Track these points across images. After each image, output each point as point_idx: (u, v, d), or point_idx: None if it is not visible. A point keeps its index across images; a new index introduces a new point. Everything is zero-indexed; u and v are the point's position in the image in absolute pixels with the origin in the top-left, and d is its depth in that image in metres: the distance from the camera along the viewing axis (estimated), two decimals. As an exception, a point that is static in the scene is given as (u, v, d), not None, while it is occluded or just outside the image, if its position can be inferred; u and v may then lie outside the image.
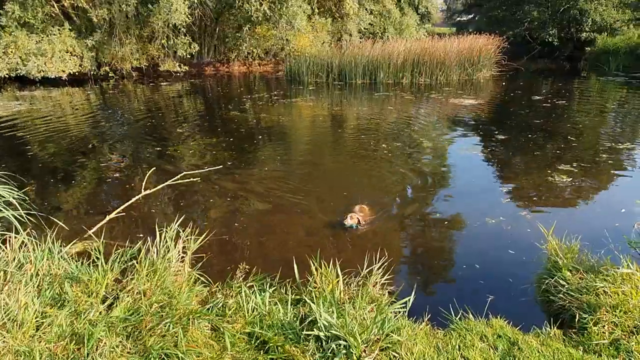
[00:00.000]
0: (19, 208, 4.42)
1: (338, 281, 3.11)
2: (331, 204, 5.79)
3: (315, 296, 2.98)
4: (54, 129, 10.16)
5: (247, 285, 3.18)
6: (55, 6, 16.19)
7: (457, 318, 3.10)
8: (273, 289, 3.21)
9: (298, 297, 3.18)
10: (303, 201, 5.87)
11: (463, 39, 18.12)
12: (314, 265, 3.31)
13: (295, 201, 5.88)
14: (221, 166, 7.05)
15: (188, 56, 18.81)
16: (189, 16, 16.82)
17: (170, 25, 16.99)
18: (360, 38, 21.59)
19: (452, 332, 2.92)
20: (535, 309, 3.46)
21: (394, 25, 24.20)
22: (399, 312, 3.00)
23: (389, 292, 3.26)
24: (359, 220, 4.98)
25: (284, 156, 8.15)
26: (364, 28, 22.88)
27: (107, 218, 5.16)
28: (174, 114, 12.26)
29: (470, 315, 3.13)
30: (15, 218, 4.17)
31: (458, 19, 40.00)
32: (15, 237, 3.42)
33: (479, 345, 2.74)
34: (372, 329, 2.64)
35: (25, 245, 3.37)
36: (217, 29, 20.27)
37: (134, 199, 5.60)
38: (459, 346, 2.73)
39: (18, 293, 2.85)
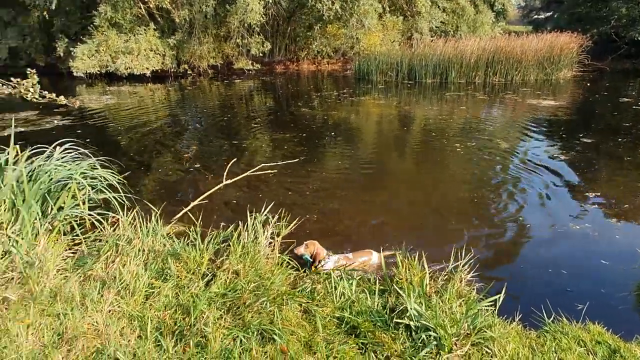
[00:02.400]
0: (120, 191, 4.87)
1: (424, 274, 3.12)
2: (406, 202, 5.78)
3: (402, 287, 3.01)
4: (137, 121, 10.93)
5: (334, 272, 3.27)
6: (142, 7, 17.33)
7: (549, 320, 2.99)
8: (359, 277, 3.27)
9: (382, 287, 3.22)
10: (378, 197, 5.91)
11: (542, 37, 17.24)
12: (399, 257, 3.33)
13: (369, 198, 5.94)
14: (297, 160, 7.23)
15: (260, 55, 19.38)
16: (263, 16, 17.34)
17: (245, 24, 17.60)
18: (432, 36, 21.14)
19: (545, 334, 2.83)
20: (636, 317, 3.25)
21: (467, 23, 23.45)
22: (488, 309, 2.95)
23: (476, 289, 3.21)
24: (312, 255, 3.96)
25: (351, 153, 8.21)
26: (436, 26, 22.38)
27: (192, 204, 5.47)
28: (246, 110, 12.73)
29: (564, 319, 3.01)
30: (116, 200, 4.63)
31: (535, 16, 38.00)
32: (123, 217, 3.74)
33: (577, 349, 2.63)
34: (463, 323, 2.63)
35: (132, 223, 3.69)
36: (289, 28, 20.73)
37: (215, 188, 5.88)
38: (555, 348, 2.64)
39: (130, 264, 3.13)
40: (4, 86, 5.25)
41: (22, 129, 9.83)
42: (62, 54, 17.41)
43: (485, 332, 2.60)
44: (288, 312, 2.80)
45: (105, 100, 13.89)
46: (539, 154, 7.88)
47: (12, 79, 5.17)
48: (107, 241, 3.51)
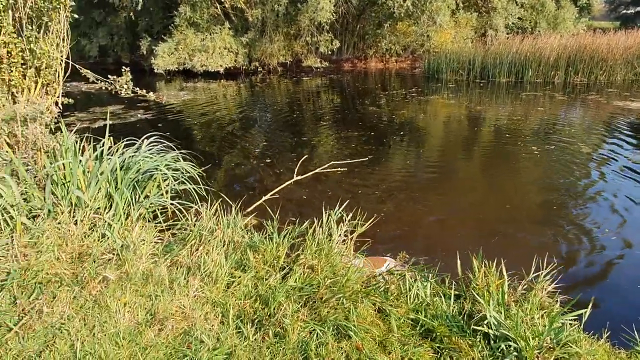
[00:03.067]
0: (199, 183, 5.17)
1: (503, 282, 3.03)
2: (478, 206, 5.61)
3: (479, 294, 2.94)
4: (210, 116, 11.46)
5: (408, 273, 3.26)
6: (218, 7, 18.09)
7: (642, 341, 2.80)
8: (433, 280, 3.24)
9: (457, 292, 3.16)
10: (448, 199, 5.79)
11: (632, 33, 15.92)
12: (476, 262, 3.26)
13: (438, 200, 5.83)
14: (367, 158, 7.25)
15: (329, 52, 19.55)
16: (333, 14, 17.47)
17: (315, 23, 17.82)
18: (507, 33, 20.22)
19: (637, 354, 2.65)
20: None
21: (547, 19, 22.15)
22: (572, 324, 2.81)
23: (559, 301, 3.07)
24: None
25: (419, 153, 8.08)
26: (512, 23, 21.35)
27: (263, 198, 5.66)
28: (313, 107, 12.91)
29: (659, 341, 2.80)
30: (195, 191, 4.93)
31: (624, 11, 35.14)
32: (207, 209, 3.97)
33: (674, 373, 2.45)
34: (546, 336, 2.53)
35: (215, 215, 3.91)
36: (358, 26, 20.72)
37: (286, 183, 6.03)
38: (648, 370, 2.47)
39: (212, 254, 3.32)
40: (102, 82, 5.74)
41: (110, 122, 10.62)
42: (145, 52, 18.63)
43: (571, 347, 2.48)
44: (363, 310, 2.83)
45: (182, 95, 14.67)
46: (626, 160, 7.31)
47: (109, 76, 5.65)
48: (191, 230, 3.73)
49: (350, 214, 3.97)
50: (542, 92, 13.94)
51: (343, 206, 4.00)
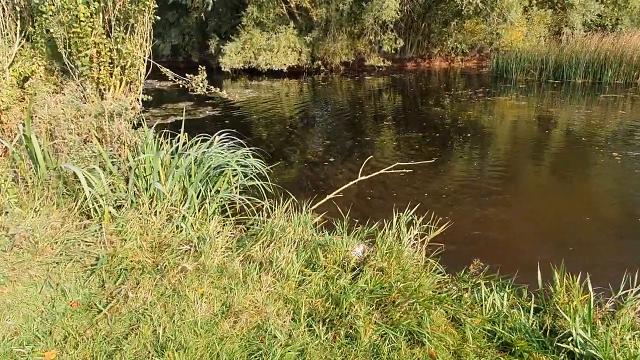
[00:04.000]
0: (267, 179, 5.29)
1: (589, 298, 2.84)
2: (551, 214, 5.31)
3: (563, 309, 2.78)
4: (274, 114, 11.70)
5: (483, 282, 3.15)
6: (284, 7, 18.41)
7: None
8: (510, 290, 3.11)
9: (536, 305, 3.01)
10: (518, 205, 5.53)
11: None
12: (557, 275, 3.08)
13: (508, 205, 5.58)
14: (432, 160, 7.09)
15: (392, 52, 19.32)
16: (398, 12, 17.23)
17: (379, 21, 17.66)
18: (585, 31, 18.96)
19: None
20: None
21: (630, 15, 20.53)
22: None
23: (652, 322, 2.84)
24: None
25: (485, 156, 7.77)
26: (590, 20, 19.98)
27: (327, 197, 5.68)
28: (375, 107, 12.81)
29: None
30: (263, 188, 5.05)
31: None
32: (273, 205, 4.06)
33: None
34: (639, 360, 2.34)
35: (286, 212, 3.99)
36: (423, 24, 20.30)
37: (350, 183, 6.02)
38: None
39: (283, 251, 3.38)
40: (179, 80, 6.02)
41: (181, 118, 11.14)
42: (213, 51, 19.37)
43: (668, 374, 2.29)
44: (436, 317, 2.77)
45: (247, 93, 15.08)
46: None
47: (186, 74, 5.92)
48: (263, 227, 3.83)
49: (421, 218, 3.88)
50: (622, 94, 12.95)
51: (413, 209, 3.92)
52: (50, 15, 5.31)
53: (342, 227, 3.77)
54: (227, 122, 10.57)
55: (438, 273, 3.34)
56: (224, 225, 4.05)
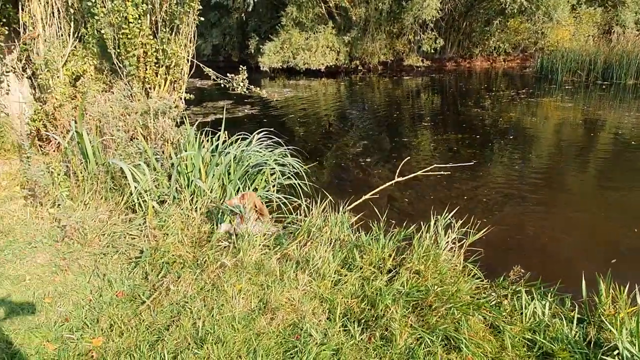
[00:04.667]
0: (304, 179, 5.34)
1: (637, 311, 2.72)
2: (598, 221, 5.10)
3: (609, 321, 2.68)
4: (311, 114, 11.78)
5: (524, 290, 3.07)
6: (323, 7, 18.47)
7: None
8: (552, 299, 3.02)
9: (579, 315, 2.91)
10: (562, 211, 5.34)
11: None
12: (603, 285, 2.97)
13: (551, 211, 5.40)
14: (471, 163, 6.94)
15: (431, 51, 19.03)
16: (439, 11, 16.96)
17: (419, 21, 17.44)
18: (638, 30, 18.04)
19: None
20: None
21: (688, 13, 19.41)
22: None
23: None
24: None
25: (527, 159, 7.53)
26: (644, 18, 19.03)
27: (363, 197, 5.67)
28: (413, 108, 12.66)
29: None
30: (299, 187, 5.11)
31: None
32: (310, 204, 4.10)
33: None
34: (691, 378, 2.23)
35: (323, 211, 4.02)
36: (465, 23, 19.88)
37: (387, 184, 5.98)
38: None
39: (320, 250, 3.41)
40: (221, 79, 6.17)
41: (221, 116, 11.39)
42: (252, 51, 19.69)
43: None
44: (474, 323, 2.73)
45: (285, 92, 15.24)
46: None
47: (228, 74, 6.06)
48: (301, 226, 3.87)
49: (460, 222, 3.81)
50: (679, 96, 12.27)
51: (451, 213, 3.86)
52: (102, 17, 5.55)
53: (379, 229, 3.75)
54: (265, 120, 10.72)
55: (476, 278, 3.28)
56: (267, 223, 4.11)
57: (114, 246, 3.80)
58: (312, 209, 4.20)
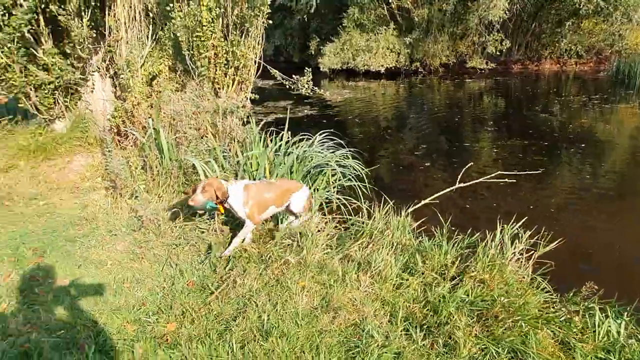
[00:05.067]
0: (365, 181, 5.36)
1: None
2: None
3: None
4: (370, 115, 11.77)
5: (597, 306, 2.93)
6: (385, 8, 18.36)
7: None
8: (629, 319, 2.86)
9: (659, 338, 2.74)
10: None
11: None
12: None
13: (626, 226, 5.07)
14: (538, 171, 6.65)
15: (497, 53, 18.36)
16: (506, 11, 16.34)
17: (485, 21, 16.89)
18: None
19: None
20: None
21: None
22: None
23: None
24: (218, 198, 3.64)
25: (600, 169, 7.09)
26: None
27: (423, 202, 5.59)
28: (475, 111, 12.29)
29: None
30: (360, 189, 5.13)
31: None
32: (370, 207, 4.12)
33: None
34: None
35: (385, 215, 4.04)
36: (533, 24, 19.00)
37: (448, 190, 5.86)
38: None
39: (383, 252, 3.43)
40: (286, 80, 6.34)
41: (281, 116, 11.66)
42: (313, 52, 19.94)
43: None
44: (542, 338, 2.64)
45: (344, 94, 15.30)
46: None
47: (293, 75, 6.22)
48: (363, 228, 3.91)
49: (528, 232, 3.68)
50: None
51: (518, 222, 3.75)
52: (178, 21, 5.87)
53: (442, 235, 3.72)
54: (324, 121, 10.84)
55: (545, 292, 3.17)
56: (326, 223, 4.20)
57: (185, 238, 4.02)
58: (372, 212, 4.22)
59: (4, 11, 5.15)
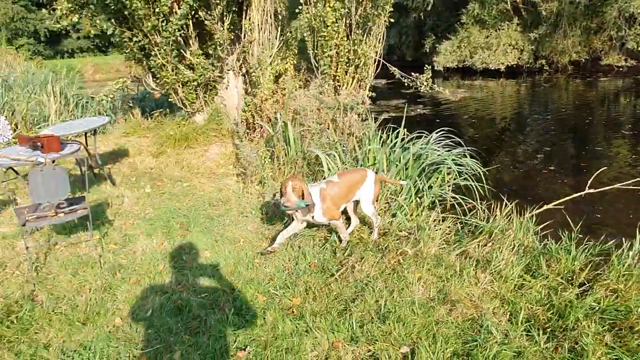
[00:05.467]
0: (483, 181, 5.23)
1: None
2: None
3: None
4: (487, 115, 11.28)
5: None
6: (508, 2, 17.34)
7: None
8: None
9: None
10: None
11: None
12: None
13: None
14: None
15: (638, 50, 16.31)
16: (653, 2, 14.46)
17: (625, 14, 15.11)
18: None
19: None
20: None
21: None
22: None
23: None
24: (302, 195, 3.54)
25: None
26: None
27: (546, 207, 5.27)
28: (610, 113, 11.11)
29: None
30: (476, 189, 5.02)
31: None
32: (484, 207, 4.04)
33: None
34: None
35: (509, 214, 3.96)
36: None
37: (575, 195, 5.44)
38: None
39: (502, 252, 3.38)
40: (405, 78, 6.41)
41: (394, 114, 11.70)
42: (427, 50, 19.58)
43: None
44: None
45: (459, 93, 14.83)
46: None
47: (412, 73, 6.28)
48: (483, 226, 3.87)
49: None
50: None
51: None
52: (304, 22, 6.27)
53: (570, 239, 3.53)
54: (437, 121, 10.65)
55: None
56: (442, 219, 4.23)
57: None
58: (489, 212, 4.14)
59: (163, 18, 5.99)
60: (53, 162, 3.76)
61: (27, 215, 3.60)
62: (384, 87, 15.89)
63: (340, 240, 3.93)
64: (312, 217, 3.70)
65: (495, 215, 4.00)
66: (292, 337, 2.83)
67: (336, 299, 3.23)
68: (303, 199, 3.52)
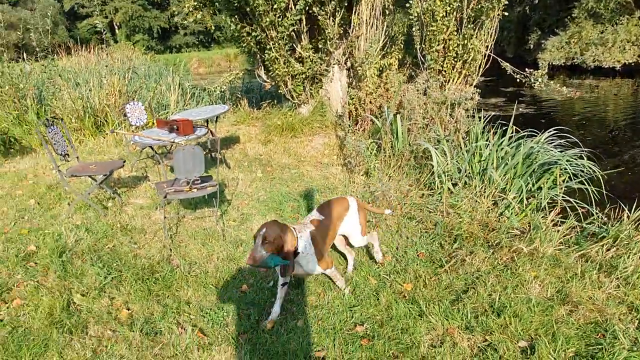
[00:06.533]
0: (601, 185, 4.91)
1: None
2: None
3: None
4: (599, 117, 10.44)
5: None
6: (630, -6, 15.81)
7: None
8: None
9: None
10: None
11: None
12: None
13: None
14: None
15: None
16: None
17: None
18: None
19: None
20: None
21: None
22: None
23: None
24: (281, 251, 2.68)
25: None
26: None
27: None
28: None
29: None
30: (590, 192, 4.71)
31: None
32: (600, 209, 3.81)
33: None
34: None
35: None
36: None
37: None
38: None
39: (630, 258, 3.20)
40: (517, 74, 6.20)
41: (493, 113, 11.24)
42: (531, 46, 18.44)
43: None
44: None
45: (565, 92, 13.81)
46: None
47: (526, 69, 6.04)
48: (607, 230, 3.68)
49: None
50: None
51: None
52: (415, 16, 6.28)
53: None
54: (542, 121, 10.09)
55: None
56: (561, 222, 4.07)
57: (413, 215, 4.40)
58: (607, 217, 3.91)
59: (280, 14, 6.36)
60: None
61: (166, 189, 4.08)
62: (481, 84, 15.31)
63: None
64: (304, 270, 2.91)
65: (622, 219, 3.76)
66: (407, 319, 2.94)
67: (447, 288, 3.28)
68: (280, 252, 2.65)
